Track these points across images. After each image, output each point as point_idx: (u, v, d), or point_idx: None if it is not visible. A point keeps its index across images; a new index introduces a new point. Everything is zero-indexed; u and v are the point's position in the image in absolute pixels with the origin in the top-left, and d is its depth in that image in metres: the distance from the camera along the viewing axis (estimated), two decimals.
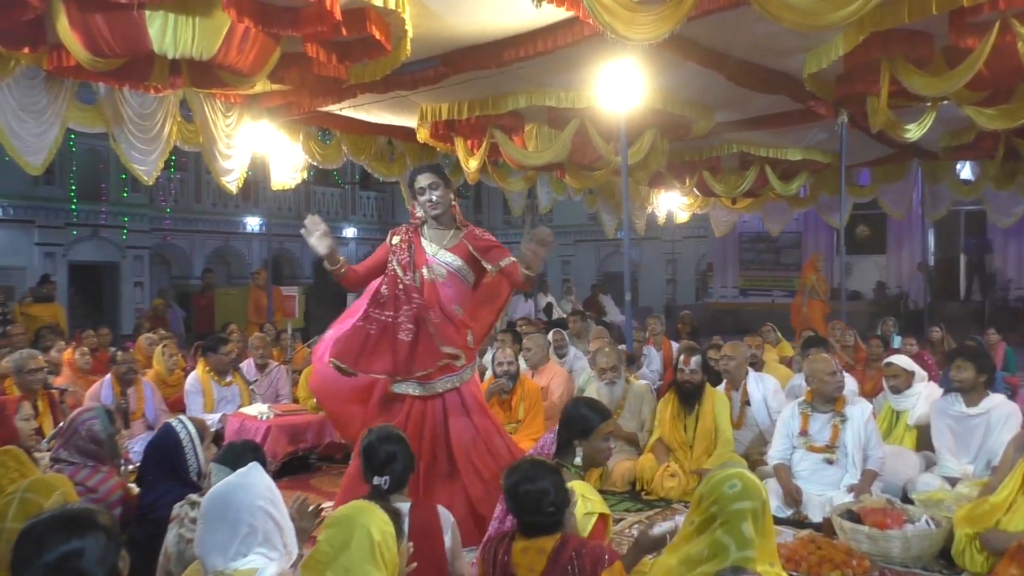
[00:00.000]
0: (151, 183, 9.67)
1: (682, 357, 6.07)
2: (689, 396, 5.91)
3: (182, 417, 4.06)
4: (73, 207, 15.96)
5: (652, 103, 8.44)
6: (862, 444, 5.08)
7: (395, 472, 3.22)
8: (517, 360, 6.72)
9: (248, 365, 7.78)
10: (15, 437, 4.45)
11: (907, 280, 17.86)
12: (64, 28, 5.70)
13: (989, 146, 10.67)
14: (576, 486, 3.20)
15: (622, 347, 7.33)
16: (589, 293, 17.99)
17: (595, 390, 6.40)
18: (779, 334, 9.70)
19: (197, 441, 3.83)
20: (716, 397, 5.98)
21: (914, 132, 8.64)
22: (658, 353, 9.19)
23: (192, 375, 7.16)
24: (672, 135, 10.03)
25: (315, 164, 11.34)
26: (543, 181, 14.09)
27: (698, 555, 2.61)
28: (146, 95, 8.43)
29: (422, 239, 4.57)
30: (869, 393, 6.96)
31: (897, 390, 5.88)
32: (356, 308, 4.76)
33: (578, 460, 3.54)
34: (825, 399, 5.22)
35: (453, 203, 4.54)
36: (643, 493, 5.77)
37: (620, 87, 7.26)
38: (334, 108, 9.79)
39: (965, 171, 14.43)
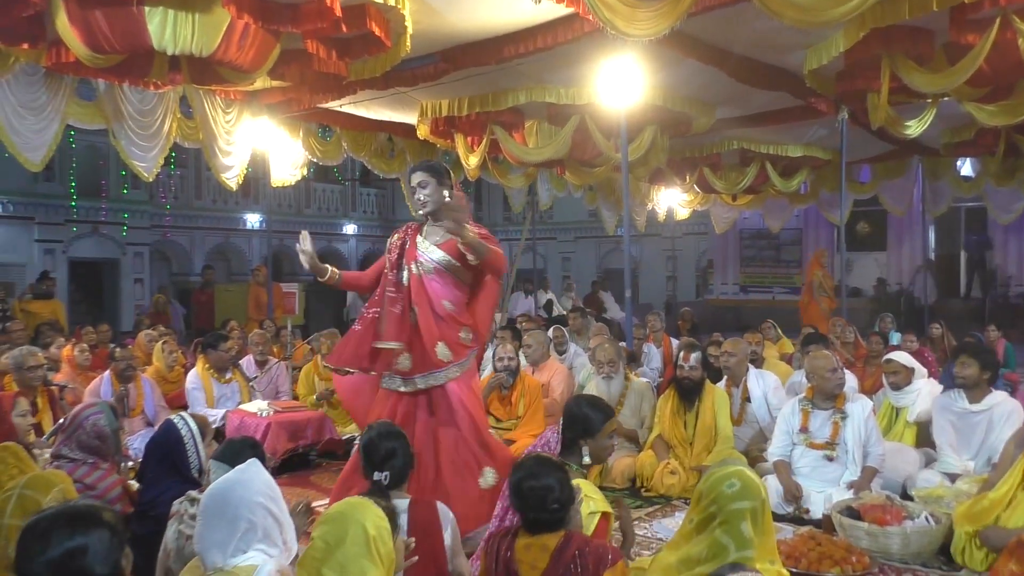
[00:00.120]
0: (151, 179, 9.66)
1: (682, 354, 6.07)
2: (689, 393, 5.91)
3: (183, 414, 4.07)
4: (73, 204, 15.95)
5: (652, 99, 8.43)
6: (862, 441, 5.08)
7: (395, 468, 3.23)
8: (518, 356, 6.73)
9: (248, 362, 7.79)
10: (12, 433, 4.45)
11: (907, 277, 17.85)
12: (63, 24, 5.69)
13: (990, 142, 10.66)
14: (579, 484, 3.20)
15: (622, 344, 7.32)
16: (589, 290, 17.99)
17: (595, 386, 6.41)
18: (779, 331, 9.70)
19: (198, 438, 3.83)
20: (716, 394, 5.98)
21: (915, 128, 8.63)
22: (658, 350, 9.19)
23: (192, 372, 7.16)
24: (672, 131, 10.02)
25: (315, 161, 11.32)
26: (543, 178, 14.08)
27: (697, 555, 2.61)
28: (146, 91, 8.42)
29: (419, 236, 4.59)
30: (869, 390, 6.96)
31: (897, 387, 5.89)
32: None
33: (587, 459, 3.55)
34: (826, 396, 5.22)
35: (447, 199, 4.48)
36: (643, 490, 5.78)
37: (620, 83, 7.25)
38: (334, 104, 9.78)
39: (966, 168, 14.42)
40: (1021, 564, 2.96)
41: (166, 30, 5.57)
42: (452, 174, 4.63)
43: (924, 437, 5.78)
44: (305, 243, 4.40)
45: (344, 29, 6.09)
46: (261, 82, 8.11)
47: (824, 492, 5.01)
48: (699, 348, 6.22)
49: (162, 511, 3.36)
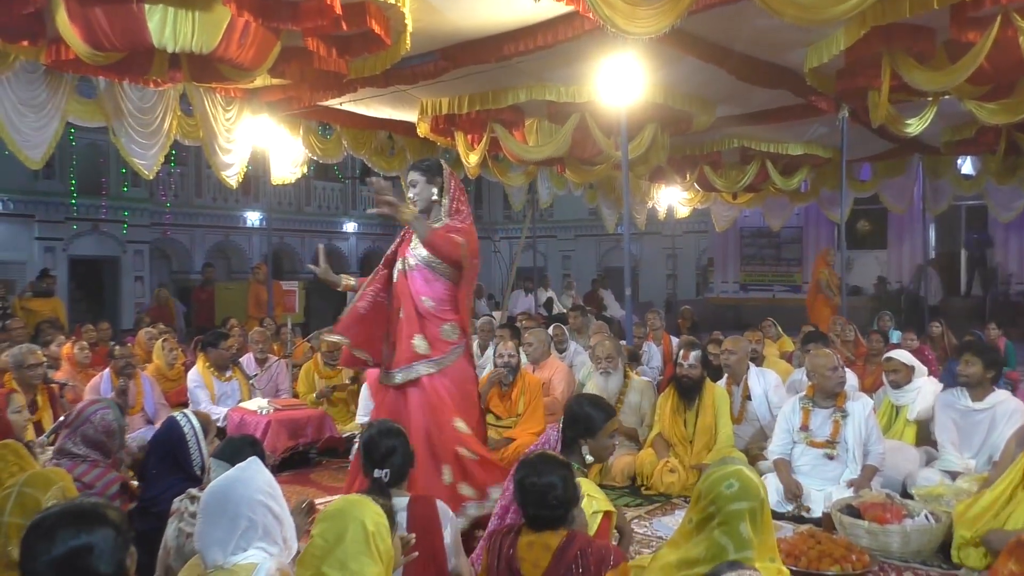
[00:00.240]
0: (151, 177, 9.65)
1: (681, 352, 6.08)
2: (688, 391, 5.92)
3: (186, 411, 4.08)
4: (73, 201, 15.94)
5: (653, 98, 8.42)
6: (863, 440, 5.09)
7: (394, 466, 3.23)
8: (518, 353, 6.73)
9: (248, 360, 7.79)
10: (8, 430, 4.46)
11: (908, 275, 17.84)
12: (63, 22, 5.68)
13: (990, 141, 10.64)
14: (582, 483, 3.21)
15: (623, 343, 7.33)
16: (589, 288, 17.99)
17: (594, 383, 6.41)
18: (779, 329, 9.70)
19: (201, 435, 3.84)
20: (716, 392, 5.98)
21: (915, 127, 8.62)
22: (658, 349, 9.19)
23: (193, 370, 7.16)
24: (673, 130, 10.01)
25: (315, 158, 11.32)
26: (543, 176, 14.07)
27: (696, 555, 2.61)
28: (146, 89, 8.41)
29: (414, 235, 4.60)
30: (869, 388, 6.96)
31: (897, 385, 5.89)
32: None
33: (589, 458, 3.55)
34: (826, 394, 5.22)
35: (435, 198, 4.53)
36: (643, 488, 5.78)
37: (620, 81, 7.25)
38: (334, 102, 9.77)
39: (966, 166, 14.40)
40: (1020, 564, 2.95)
41: (166, 28, 5.56)
42: (445, 169, 4.63)
43: (924, 435, 5.79)
44: (320, 259, 4.74)
45: (344, 27, 6.09)
46: (261, 80, 8.10)
47: (824, 490, 5.01)
48: (699, 346, 6.22)
49: (164, 508, 3.36)
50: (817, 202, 15.61)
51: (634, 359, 7.71)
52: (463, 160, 10.63)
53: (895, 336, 9.40)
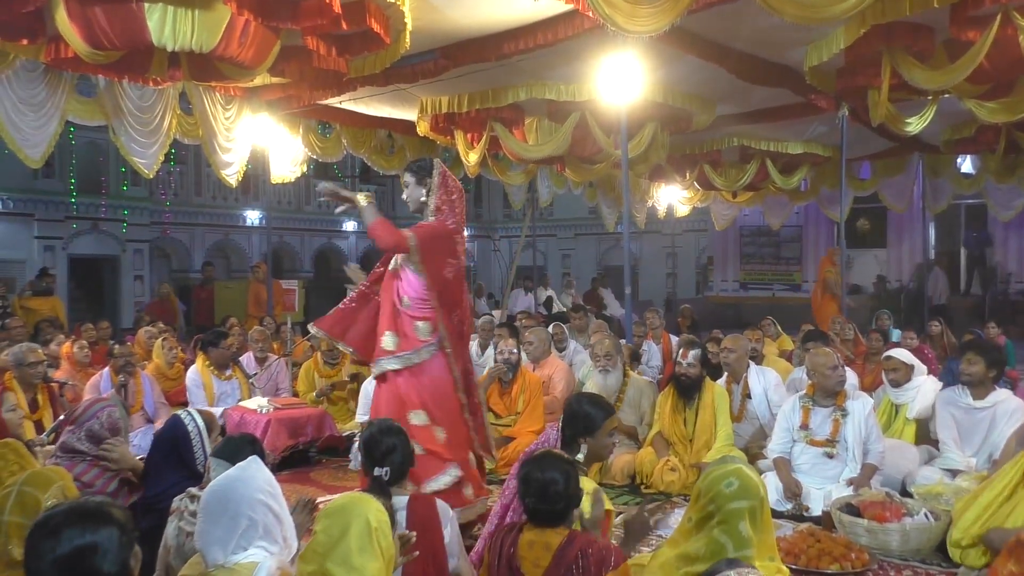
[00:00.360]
0: (151, 176, 9.64)
1: (681, 350, 6.08)
2: (688, 390, 5.92)
3: (191, 409, 4.09)
4: (73, 200, 15.94)
5: (652, 96, 8.43)
6: (863, 438, 5.09)
7: (394, 464, 3.23)
8: (519, 350, 6.75)
9: (248, 359, 7.78)
10: (3, 429, 4.47)
11: (907, 274, 17.84)
12: (63, 20, 5.68)
13: (990, 139, 10.64)
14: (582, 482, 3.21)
15: (622, 341, 7.33)
16: (589, 287, 18.00)
17: (594, 383, 6.41)
18: (779, 328, 9.70)
19: (205, 433, 3.84)
20: (716, 391, 5.98)
21: (915, 125, 8.62)
22: (657, 347, 9.19)
23: (192, 369, 7.16)
24: (673, 128, 10.01)
25: (315, 157, 11.31)
26: (543, 174, 14.07)
27: (696, 552, 2.61)
28: (145, 88, 8.41)
29: None
30: (869, 387, 6.96)
31: (897, 384, 5.89)
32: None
33: (580, 456, 3.55)
34: (826, 393, 5.22)
35: (423, 199, 4.66)
36: (642, 487, 5.79)
37: (620, 80, 7.24)
38: (334, 101, 9.77)
39: (966, 165, 14.40)
40: (1020, 564, 2.95)
41: (166, 26, 5.56)
42: (437, 169, 4.70)
43: (923, 434, 5.79)
44: (354, 274, 5.02)
45: (344, 26, 6.09)
46: (261, 78, 8.09)
47: (824, 489, 5.01)
48: (698, 345, 6.22)
49: (167, 505, 3.36)
50: (817, 201, 15.62)
51: (635, 359, 7.70)
52: (463, 159, 10.63)
53: (895, 335, 9.41)
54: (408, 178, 4.72)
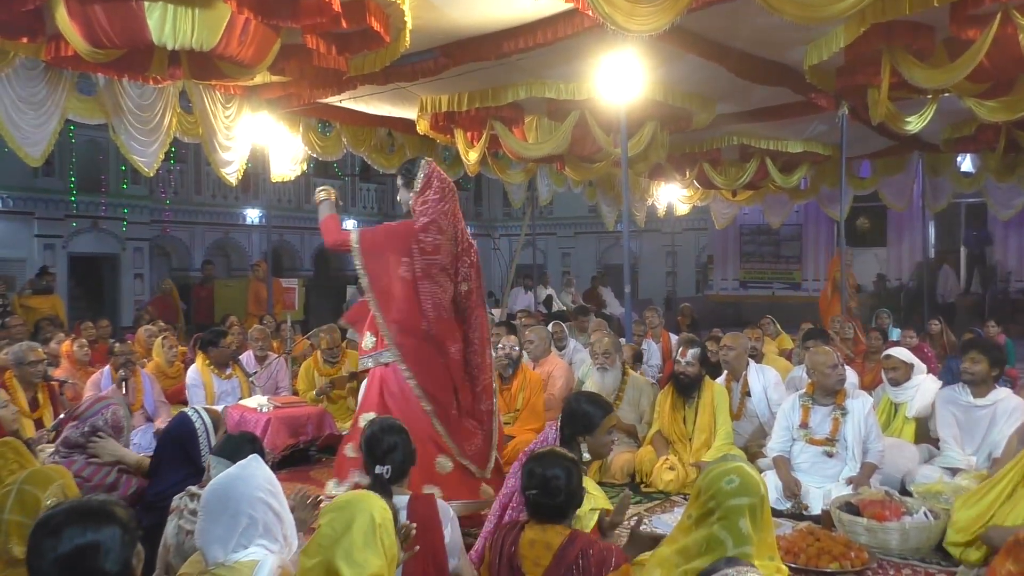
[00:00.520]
0: (152, 175, 9.64)
1: (680, 349, 6.08)
2: (687, 388, 5.92)
3: (197, 407, 4.10)
4: (73, 199, 15.92)
5: (652, 95, 8.42)
6: (862, 437, 5.09)
7: (395, 462, 3.23)
8: (520, 347, 6.75)
9: (248, 357, 7.78)
10: None
11: (907, 273, 17.84)
12: (63, 19, 5.68)
13: (990, 138, 10.64)
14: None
15: (623, 340, 7.33)
16: (589, 285, 18.00)
17: (593, 381, 6.41)
18: (778, 326, 9.70)
19: (212, 431, 3.85)
20: (715, 390, 5.98)
21: (915, 124, 8.62)
22: (657, 346, 9.19)
23: (192, 368, 7.15)
24: (672, 127, 10.00)
25: (315, 156, 11.31)
26: (543, 173, 14.07)
27: (695, 548, 2.61)
28: (145, 86, 8.40)
29: None
30: (868, 385, 6.96)
31: (896, 382, 5.89)
32: None
33: (586, 456, 3.56)
34: (826, 392, 5.22)
35: (410, 201, 4.80)
36: (642, 485, 5.79)
37: (620, 79, 7.25)
38: (334, 100, 9.77)
39: (966, 163, 14.40)
40: (1018, 563, 2.95)
41: (166, 25, 5.56)
42: (423, 170, 4.81)
43: (923, 433, 5.80)
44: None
45: (344, 24, 6.09)
46: (261, 77, 8.09)
47: (823, 488, 5.02)
48: (698, 344, 6.22)
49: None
50: (817, 199, 15.61)
51: (638, 360, 7.69)
52: (463, 157, 10.63)
53: (895, 334, 9.41)
54: (399, 182, 4.87)
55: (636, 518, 4.85)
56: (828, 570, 3.98)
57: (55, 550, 1.94)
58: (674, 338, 9.11)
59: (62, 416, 5.22)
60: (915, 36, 6.78)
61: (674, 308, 17.04)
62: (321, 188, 5.22)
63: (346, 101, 9.89)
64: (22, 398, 5.63)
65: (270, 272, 12.25)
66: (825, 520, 4.66)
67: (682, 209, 16.52)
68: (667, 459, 5.74)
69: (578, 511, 3.09)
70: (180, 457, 3.78)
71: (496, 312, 12.27)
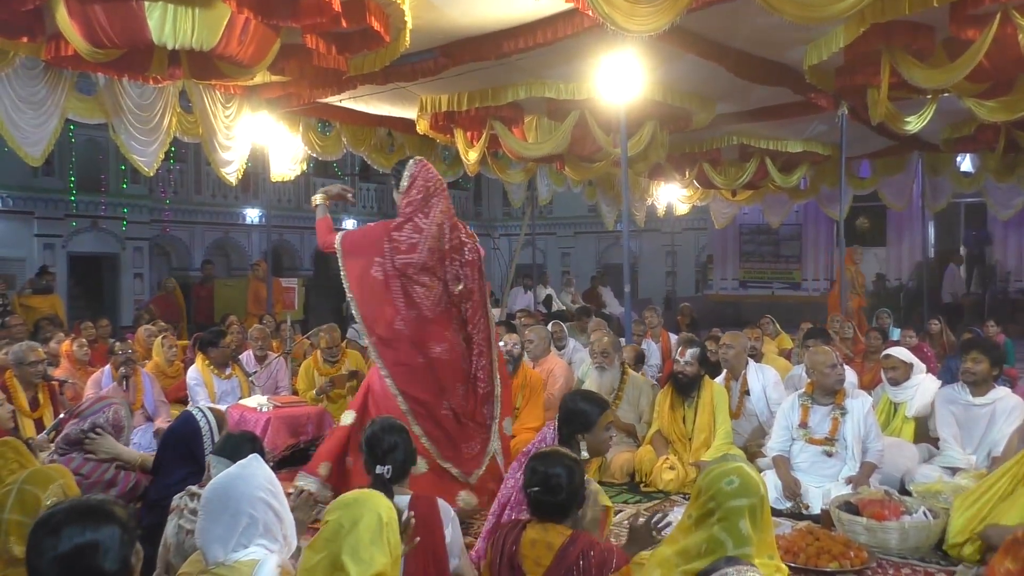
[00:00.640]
0: (152, 174, 9.64)
1: (679, 348, 6.08)
2: (685, 387, 5.92)
3: (201, 406, 4.10)
4: (72, 198, 15.91)
5: (652, 95, 8.43)
6: (861, 437, 5.09)
7: (396, 462, 3.24)
8: (521, 345, 6.76)
9: (247, 357, 7.78)
10: None
11: (907, 273, 17.83)
12: (63, 18, 5.68)
13: (989, 138, 10.65)
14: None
15: (622, 340, 7.33)
16: (589, 285, 18.00)
17: (592, 381, 6.42)
18: (778, 326, 9.71)
19: (216, 430, 3.85)
20: (714, 389, 5.98)
21: (914, 124, 8.63)
22: (656, 346, 9.19)
23: (193, 368, 7.14)
24: (672, 127, 10.01)
25: (315, 155, 11.32)
26: (543, 173, 14.08)
27: (695, 548, 2.61)
28: (145, 86, 8.41)
29: None
30: (868, 385, 6.97)
31: (896, 382, 5.90)
32: None
33: (585, 454, 3.56)
34: (825, 391, 5.22)
35: (396, 202, 4.93)
36: (642, 485, 5.79)
37: (620, 79, 7.25)
38: (334, 99, 9.77)
39: (965, 163, 14.41)
40: (1017, 562, 2.95)
41: (166, 24, 5.56)
42: (409, 170, 4.89)
43: (922, 432, 5.80)
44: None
45: (344, 24, 6.09)
46: (261, 77, 8.09)
47: (823, 487, 5.02)
48: (697, 343, 6.22)
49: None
50: (816, 199, 15.62)
51: (640, 361, 7.68)
52: (462, 157, 10.63)
53: (895, 333, 9.42)
54: (392, 182, 4.99)
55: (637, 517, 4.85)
56: (827, 569, 3.98)
57: (54, 549, 1.94)
58: (673, 338, 9.12)
59: (62, 416, 5.23)
60: (915, 36, 6.78)
61: (673, 308, 17.05)
62: (319, 193, 5.37)
63: (346, 101, 9.90)
64: (22, 398, 5.63)
65: (270, 272, 12.25)
66: (824, 519, 4.66)
67: (682, 209, 16.52)
68: (667, 459, 5.74)
69: (597, 507, 3.11)
70: (184, 456, 3.78)
71: (496, 312, 12.26)
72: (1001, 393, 5.31)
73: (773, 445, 5.37)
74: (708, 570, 2.23)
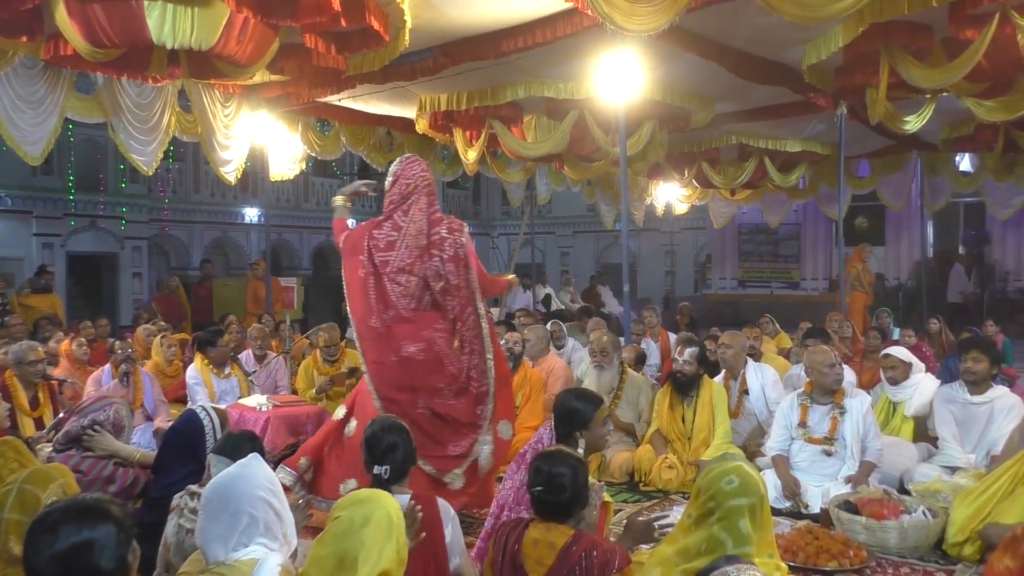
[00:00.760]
0: (151, 173, 9.64)
1: (678, 348, 6.08)
2: (684, 387, 5.92)
3: (205, 405, 4.10)
4: (71, 197, 15.90)
5: (651, 94, 8.43)
6: (861, 436, 5.10)
7: (395, 462, 3.23)
8: (522, 343, 6.76)
9: (246, 356, 7.77)
10: None
11: (906, 272, 17.85)
12: (62, 18, 5.68)
13: (988, 138, 10.66)
14: None
15: (621, 340, 7.33)
16: (588, 284, 18.00)
17: (590, 380, 6.42)
18: (777, 325, 9.71)
19: (219, 429, 3.86)
20: (713, 388, 5.98)
21: (913, 124, 8.64)
22: (656, 345, 9.19)
23: (192, 367, 7.14)
24: (671, 126, 10.02)
25: (314, 155, 11.32)
26: (542, 172, 14.08)
27: (695, 547, 2.62)
28: (144, 85, 8.41)
29: None
30: (867, 384, 6.97)
31: (895, 381, 5.90)
32: None
33: (580, 451, 3.57)
34: (824, 391, 5.23)
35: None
36: (641, 484, 5.79)
37: (619, 78, 7.25)
38: (333, 99, 9.77)
39: (964, 163, 14.42)
40: (1016, 559, 2.96)
41: (165, 24, 5.57)
42: (393, 169, 4.96)
43: (921, 431, 5.81)
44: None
45: (343, 23, 6.09)
46: (260, 76, 8.10)
47: (822, 486, 5.02)
48: (696, 343, 6.23)
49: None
50: (815, 199, 15.63)
51: (640, 361, 7.67)
52: (462, 156, 10.64)
53: (895, 333, 9.42)
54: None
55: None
56: (827, 568, 3.99)
57: (51, 548, 1.95)
58: (672, 337, 9.12)
59: (62, 415, 5.23)
60: (914, 36, 6.79)
61: (672, 307, 17.05)
62: (340, 194, 5.52)
63: (345, 100, 9.90)
64: (22, 397, 5.63)
65: (269, 271, 12.24)
66: (824, 519, 4.66)
67: (681, 208, 16.53)
68: (666, 458, 5.74)
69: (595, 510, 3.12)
70: (186, 455, 3.78)
71: (495, 311, 12.26)
72: (999, 392, 5.32)
73: (772, 444, 5.38)
74: (708, 569, 2.23)
